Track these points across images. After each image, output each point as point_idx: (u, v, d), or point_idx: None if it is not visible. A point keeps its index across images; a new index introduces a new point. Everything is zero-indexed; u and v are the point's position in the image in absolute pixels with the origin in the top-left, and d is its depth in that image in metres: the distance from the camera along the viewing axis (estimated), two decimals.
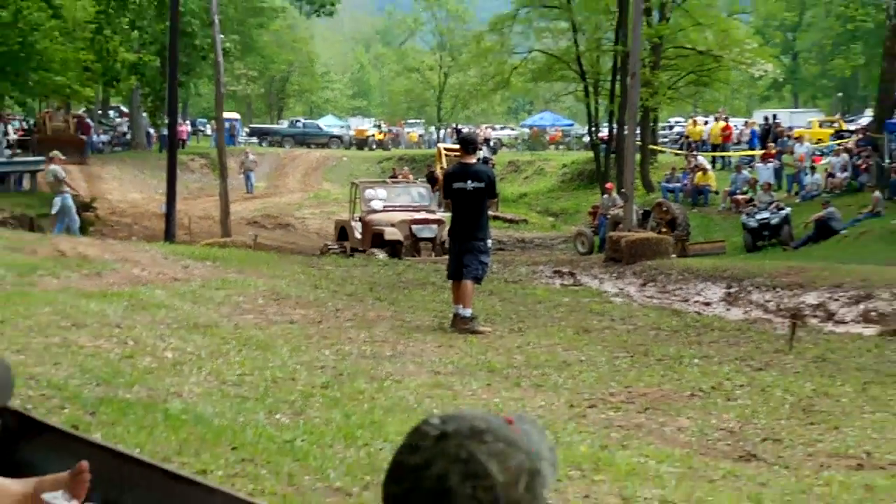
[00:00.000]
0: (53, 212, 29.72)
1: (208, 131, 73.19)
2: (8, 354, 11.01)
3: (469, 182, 15.79)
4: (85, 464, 3.75)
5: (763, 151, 52.04)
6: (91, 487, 4.28)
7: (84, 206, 37.34)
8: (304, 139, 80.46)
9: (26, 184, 37.31)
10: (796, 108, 79.17)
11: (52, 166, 30.71)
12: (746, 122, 65.21)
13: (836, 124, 62.22)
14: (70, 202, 29.63)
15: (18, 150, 42.88)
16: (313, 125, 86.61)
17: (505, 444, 1.99)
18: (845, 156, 45.35)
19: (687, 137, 62.50)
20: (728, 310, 21.05)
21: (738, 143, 58.47)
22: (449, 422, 2.00)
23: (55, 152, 33.71)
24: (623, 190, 34.06)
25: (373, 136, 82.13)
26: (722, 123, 61.27)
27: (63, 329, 13.60)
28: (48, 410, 8.71)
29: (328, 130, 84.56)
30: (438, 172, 41.58)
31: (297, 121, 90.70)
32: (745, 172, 47.33)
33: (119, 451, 4.95)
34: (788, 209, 36.69)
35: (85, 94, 56.30)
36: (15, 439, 4.76)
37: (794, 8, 76.83)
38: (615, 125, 49.77)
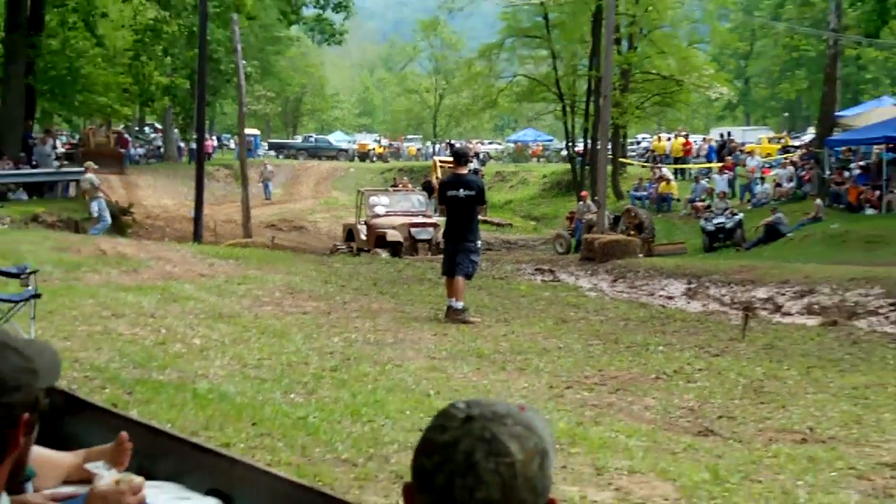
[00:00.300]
0: (94, 215, 29.75)
1: (231, 145, 73.20)
2: (55, 341, 11.01)
3: (461, 190, 15.83)
4: (125, 434, 3.72)
5: (719, 164, 52.22)
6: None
7: (122, 211, 37.36)
8: (316, 152, 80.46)
9: (72, 191, 37.18)
10: (748, 126, 79.24)
11: (88, 175, 30.74)
12: (704, 139, 65.35)
13: (782, 140, 62.30)
14: (104, 205, 29.72)
15: (66, 162, 42.65)
16: (324, 140, 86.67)
17: (523, 428, 2.01)
18: (791, 168, 45.53)
19: (652, 151, 62.58)
20: (688, 303, 21.06)
21: (697, 156, 58.54)
22: (474, 406, 2.03)
23: (89, 162, 33.69)
24: (596, 197, 34.19)
25: (373, 149, 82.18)
26: (683, 139, 61.53)
27: (104, 318, 13.62)
28: (91, 390, 8.70)
29: (337, 145, 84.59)
30: (434, 182, 41.50)
31: (310, 136, 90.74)
32: (703, 182, 47.45)
33: (153, 426, 4.93)
34: (741, 215, 36.75)
35: (124, 113, 56.64)
36: (61, 416, 4.74)
37: (745, 38, 76.77)
38: (589, 140, 49.75)
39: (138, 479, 3.36)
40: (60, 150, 43.82)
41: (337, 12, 42.75)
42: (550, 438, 2.08)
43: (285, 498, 3.83)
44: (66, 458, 3.84)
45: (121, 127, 63.71)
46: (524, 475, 1.96)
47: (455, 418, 2.01)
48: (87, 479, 3.70)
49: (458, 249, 15.79)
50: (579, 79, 53.06)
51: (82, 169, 36.47)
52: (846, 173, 41.18)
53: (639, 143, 68.15)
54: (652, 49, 52.09)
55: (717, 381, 11.76)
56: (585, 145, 51.80)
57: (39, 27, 39.18)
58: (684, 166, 54.88)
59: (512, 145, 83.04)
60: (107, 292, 16.01)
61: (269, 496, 3.86)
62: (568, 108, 54.80)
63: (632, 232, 31.63)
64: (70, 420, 4.84)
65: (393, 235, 30.85)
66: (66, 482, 3.74)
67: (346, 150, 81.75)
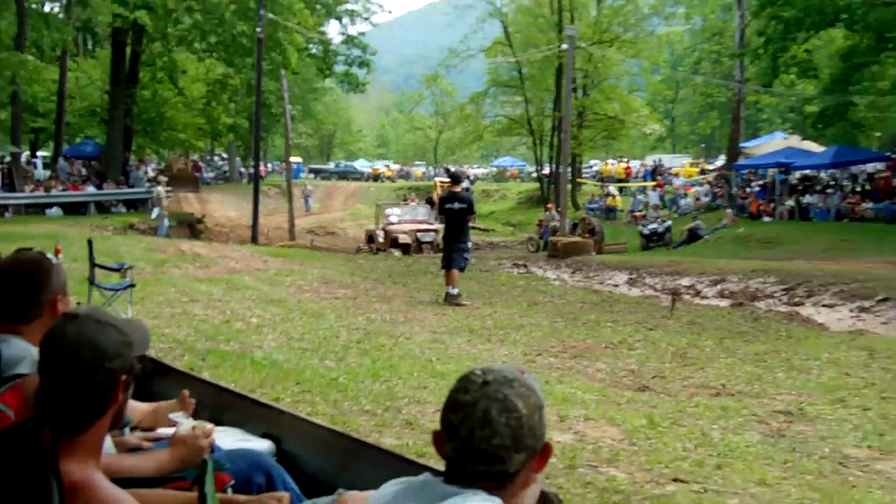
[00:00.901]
0: (153, 217, 30.18)
1: (280, 170, 73.22)
2: (146, 320, 10.97)
3: (456, 203, 15.85)
4: (186, 392, 3.72)
5: (652, 183, 52.36)
6: (201, 409, 4.24)
7: (197, 220, 37.37)
8: (345, 175, 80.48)
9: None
10: (674, 154, 79.15)
11: (159, 187, 30.77)
12: (641, 163, 65.42)
13: (700, 165, 62.23)
14: (164, 212, 30.14)
15: (154, 183, 42.75)
16: (351, 166, 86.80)
17: (526, 389, 2.10)
18: (707, 186, 45.78)
19: (601, 173, 62.67)
20: (630, 289, 21.02)
21: (636, 177, 58.70)
22: (488, 373, 2.10)
23: (162, 178, 33.81)
24: (559, 209, 34.19)
25: (383, 172, 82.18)
26: (625, 164, 61.74)
27: (183, 303, 13.63)
28: (173, 358, 8.69)
29: (361, 169, 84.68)
30: (435, 197, 41.43)
31: (340, 163, 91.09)
32: (640, 197, 47.63)
33: (220, 385, 4.92)
34: (669, 222, 36.83)
35: (198, 146, 56.80)
36: (151, 378, 4.74)
37: (672, 87, 76.88)
38: (553, 165, 49.66)
39: (210, 425, 3.36)
40: (150, 174, 43.80)
41: (360, 69, 42.79)
42: (542, 394, 2.13)
43: (321, 440, 3.82)
44: (138, 407, 3.84)
45: (196, 156, 63.74)
46: (528, 426, 2.06)
47: (475, 382, 2.08)
48: (154, 427, 3.72)
49: (453, 248, 15.79)
50: (545, 118, 53.02)
51: (167, 189, 36.68)
52: (748, 190, 41.35)
53: (591, 167, 68.01)
54: (601, 96, 52.16)
55: (651, 349, 11.76)
56: (550, 169, 51.72)
57: (135, 81, 39.27)
58: (626, 185, 54.88)
59: (494, 169, 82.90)
60: (185, 283, 16.03)
61: (309, 438, 3.85)
62: (537, 141, 54.78)
63: (586, 235, 31.55)
64: (157, 381, 4.83)
65: (404, 238, 30.98)
66: (136, 427, 3.75)
67: (364, 173, 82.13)
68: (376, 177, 79.90)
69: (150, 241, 24.79)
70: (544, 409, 2.13)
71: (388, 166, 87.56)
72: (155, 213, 30.14)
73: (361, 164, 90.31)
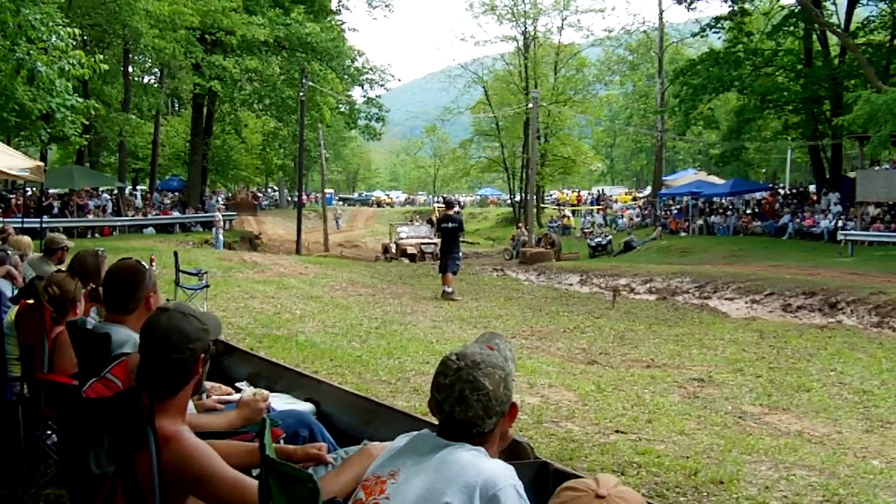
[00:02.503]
0: (213, 235, 29.83)
1: (317, 198, 73.14)
2: (218, 312, 10.97)
3: (450, 223, 15.81)
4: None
5: (597, 207, 52.34)
6: (259, 379, 4.23)
7: (255, 237, 37.43)
8: (366, 202, 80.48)
9: (227, 226, 37.08)
10: (613, 185, 79.36)
11: (217, 214, 30.66)
12: (588, 192, 65.42)
13: (633, 194, 62.39)
14: (220, 233, 29.55)
15: (223, 209, 42.74)
16: (370, 195, 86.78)
17: (492, 368, 2.06)
18: (639, 209, 45.75)
19: (559, 200, 62.68)
20: (581, 287, 21.05)
21: (585, 202, 58.52)
22: (461, 359, 2.07)
23: (221, 206, 33.90)
24: (527, 227, 34.17)
25: (384, 200, 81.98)
26: (576, 193, 61.84)
27: (245, 299, 13.59)
28: (238, 341, 8.66)
29: (370, 197, 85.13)
30: (434, 218, 41.42)
31: (363, 192, 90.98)
32: (589, 218, 47.60)
33: (273, 361, 4.90)
34: (610, 237, 36.84)
35: (256, 181, 56.75)
36: (222, 356, 4.71)
37: (610, 136, 76.94)
38: (523, 194, 49.64)
39: (266, 392, 3.37)
40: (221, 202, 43.90)
41: (377, 122, 42.72)
42: (511, 354, 2.14)
43: (350, 402, 3.81)
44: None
45: (254, 188, 63.75)
46: (495, 397, 2.04)
47: (451, 368, 2.05)
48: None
49: (448, 257, 15.74)
50: (517, 159, 52.85)
51: (232, 213, 36.91)
52: (669, 212, 41.39)
53: (551, 195, 67.77)
54: (558, 142, 52.16)
55: (598, 332, 11.75)
56: (520, 197, 51.65)
57: (210, 133, 39.34)
58: (577, 208, 54.94)
59: (479, 197, 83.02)
60: (246, 284, 15.98)
61: (342, 402, 3.84)
62: (510, 176, 54.60)
63: (548, 247, 31.55)
64: (227, 358, 4.81)
65: (411, 250, 30.91)
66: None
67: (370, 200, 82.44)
68: (379, 203, 79.69)
69: (220, 252, 24.82)
70: (509, 378, 2.11)
71: (387, 195, 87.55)
72: (213, 231, 30.19)
73: (378, 194, 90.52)
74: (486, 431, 2.05)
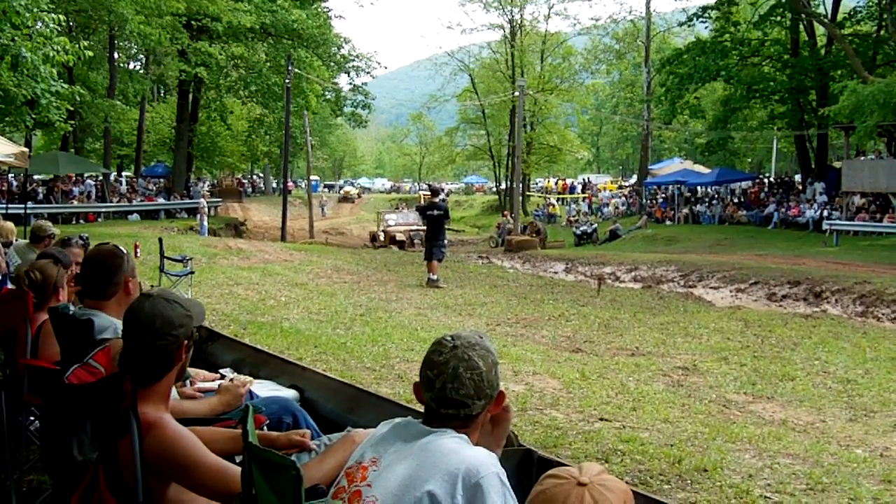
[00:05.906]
0: (197, 221, 30.31)
1: (302, 185, 72.62)
2: (202, 298, 10.94)
3: (435, 210, 15.77)
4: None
5: (583, 195, 52.39)
6: (243, 366, 4.20)
7: (240, 223, 37.33)
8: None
9: (212, 212, 36.86)
10: (599, 173, 79.44)
11: (202, 200, 30.65)
12: (574, 181, 65.38)
13: (619, 182, 62.53)
14: (205, 219, 30.16)
15: (208, 195, 42.53)
16: (356, 182, 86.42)
17: (485, 351, 2.08)
18: (624, 198, 45.82)
19: (545, 188, 62.67)
20: (566, 275, 21.10)
21: (571, 191, 58.54)
22: (456, 339, 2.08)
23: (206, 192, 33.90)
24: (513, 215, 34.19)
25: (351, 192, 74.68)
26: (562, 181, 61.79)
27: (229, 286, 13.54)
28: (222, 327, 8.61)
29: (363, 185, 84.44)
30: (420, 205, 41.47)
31: (348, 180, 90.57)
32: (574, 206, 47.70)
33: (258, 348, 4.89)
34: (596, 225, 36.96)
35: (241, 167, 56.56)
36: (205, 342, 4.69)
37: (596, 124, 76.86)
38: (509, 182, 49.63)
39: (248, 378, 3.38)
40: (206, 188, 43.71)
41: (363, 110, 42.55)
42: (496, 353, 2.14)
43: (334, 390, 3.81)
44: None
45: (240, 175, 63.51)
46: (487, 379, 2.05)
47: (446, 346, 2.06)
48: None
49: (434, 245, 15.69)
50: (503, 147, 52.86)
51: (217, 200, 36.86)
52: (654, 201, 41.50)
53: (537, 183, 67.79)
54: (544, 130, 52.07)
55: (583, 320, 11.76)
56: (506, 185, 51.66)
57: (195, 120, 39.16)
58: (563, 196, 54.98)
59: (464, 185, 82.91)
60: (231, 270, 15.92)
61: (325, 389, 3.84)
62: (496, 164, 54.71)
63: (533, 235, 31.63)
64: (211, 345, 4.79)
65: (400, 237, 30.98)
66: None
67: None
68: (347, 197, 67.56)
69: (205, 239, 24.71)
70: (499, 366, 2.12)
71: (353, 184, 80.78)
72: (198, 218, 30.17)
73: (364, 182, 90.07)
74: (473, 415, 2.05)
